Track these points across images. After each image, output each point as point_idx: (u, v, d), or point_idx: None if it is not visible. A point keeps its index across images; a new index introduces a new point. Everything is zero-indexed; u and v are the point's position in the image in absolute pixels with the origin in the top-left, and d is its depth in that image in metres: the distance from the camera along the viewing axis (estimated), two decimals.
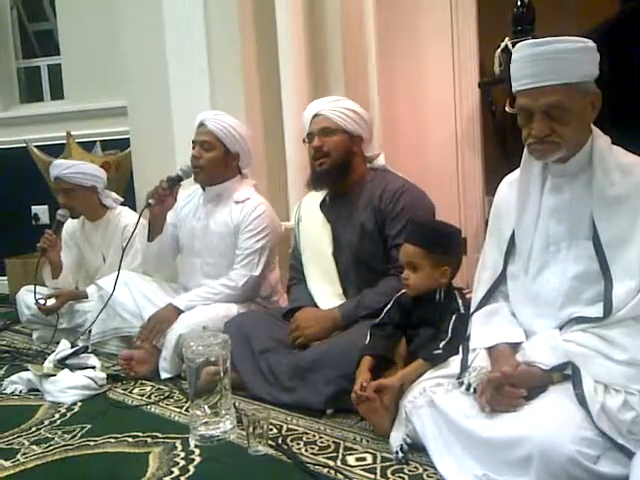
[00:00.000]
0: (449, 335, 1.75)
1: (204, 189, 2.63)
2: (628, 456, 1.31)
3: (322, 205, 2.32)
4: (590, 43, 1.52)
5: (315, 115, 2.24)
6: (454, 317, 1.79)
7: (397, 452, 1.60)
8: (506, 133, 3.68)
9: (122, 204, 3.16)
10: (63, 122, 4.16)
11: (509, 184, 1.75)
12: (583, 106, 1.52)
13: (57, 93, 4.60)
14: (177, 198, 2.61)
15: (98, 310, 2.61)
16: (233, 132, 2.52)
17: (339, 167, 2.21)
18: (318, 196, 2.34)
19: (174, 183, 2.53)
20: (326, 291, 2.23)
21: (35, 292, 2.89)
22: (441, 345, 1.73)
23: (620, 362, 1.43)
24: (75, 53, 4.32)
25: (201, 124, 2.54)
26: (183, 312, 2.41)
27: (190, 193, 2.73)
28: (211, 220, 2.60)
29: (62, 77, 4.47)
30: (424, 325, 1.86)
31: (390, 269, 2.12)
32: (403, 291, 1.94)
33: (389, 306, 1.94)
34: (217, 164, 2.53)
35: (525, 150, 1.61)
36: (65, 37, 4.37)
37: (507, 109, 3.03)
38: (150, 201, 2.52)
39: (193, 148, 2.54)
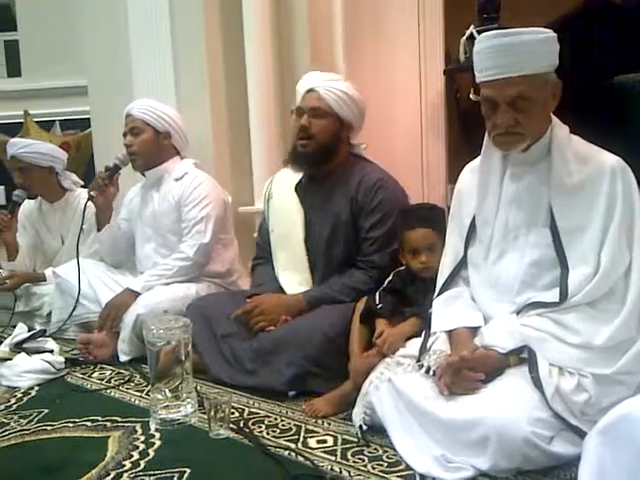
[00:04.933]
0: None
1: (144, 175, 2.64)
2: (580, 436, 1.35)
3: (298, 186, 2.26)
4: (551, 33, 1.54)
5: (309, 90, 2.14)
6: None
7: (360, 427, 1.62)
8: (470, 120, 3.71)
9: (82, 186, 3.09)
10: (20, 100, 4.03)
11: (471, 171, 1.78)
12: (545, 96, 1.55)
13: (14, 70, 4.45)
14: (119, 187, 2.65)
15: (55, 295, 2.63)
16: (158, 112, 2.56)
17: (322, 151, 2.13)
18: (292, 175, 2.27)
19: (113, 172, 2.59)
20: (294, 278, 2.20)
21: None
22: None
23: (574, 346, 1.47)
24: (33, 29, 4.17)
25: (127, 115, 2.58)
26: (140, 295, 2.39)
27: (136, 186, 2.76)
28: (155, 202, 2.62)
29: (19, 53, 4.33)
30: (412, 304, 1.88)
31: (359, 261, 2.10)
32: (401, 268, 1.95)
33: (390, 277, 1.95)
34: (149, 146, 2.56)
35: (486, 138, 1.64)
36: (23, 12, 4.22)
37: (472, 97, 3.05)
38: (92, 193, 2.57)
39: (125, 139, 2.57)
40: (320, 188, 2.20)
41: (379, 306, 1.87)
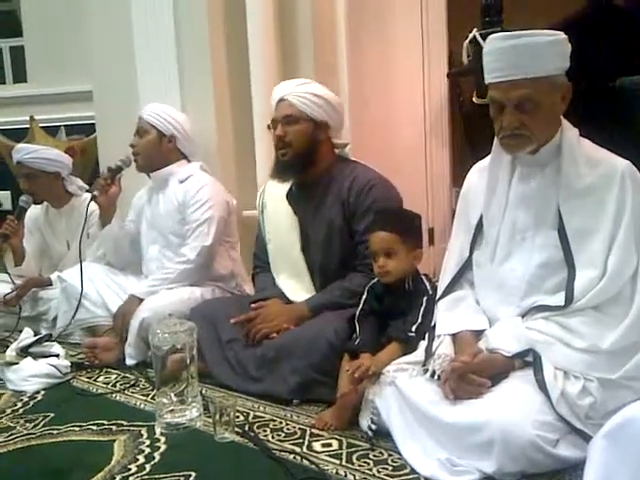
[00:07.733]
0: (419, 319, 1.77)
1: (149, 177, 2.66)
2: (586, 440, 1.35)
3: (289, 195, 2.25)
4: (561, 35, 1.53)
5: (280, 100, 2.15)
6: (424, 300, 1.81)
7: (368, 432, 1.62)
8: (473, 124, 3.71)
9: (87, 191, 3.10)
10: (26, 106, 4.06)
11: (479, 171, 1.77)
12: (553, 99, 1.55)
13: (20, 76, 4.48)
14: (121, 187, 2.65)
15: (61, 299, 2.61)
16: (164, 116, 2.61)
17: (303, 157, 2.12)
18: (282, 184, 2.26)
19: (115, 173, 2.62)
20: (295, 286, 2.20)
21: (13, 282, 2.83)
22: (413, 328, 1.75)
23: (579, 350, 1.47)
24: (39, 35, 4.19)
25: (139, 117, 2.63)
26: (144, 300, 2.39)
27: (146, 188, 2.76)
28: (160, 204, 2.63)
29: (25, 59, 4.35)
30: (395, 316, 1.85)
31: (357, 265, 2.09)
32: (375, 280, 1.93)
33: (365, 296, 1.93)
34: (151, 147, 2.59)
35: (495, 139, 1.63)
36: (28, 18, 4.25)
37: (474, 100, 3.05)
38: (95, 193, 2.59)
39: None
40: (311, 195, 2.19)
41: (357, 342, 1.83)
